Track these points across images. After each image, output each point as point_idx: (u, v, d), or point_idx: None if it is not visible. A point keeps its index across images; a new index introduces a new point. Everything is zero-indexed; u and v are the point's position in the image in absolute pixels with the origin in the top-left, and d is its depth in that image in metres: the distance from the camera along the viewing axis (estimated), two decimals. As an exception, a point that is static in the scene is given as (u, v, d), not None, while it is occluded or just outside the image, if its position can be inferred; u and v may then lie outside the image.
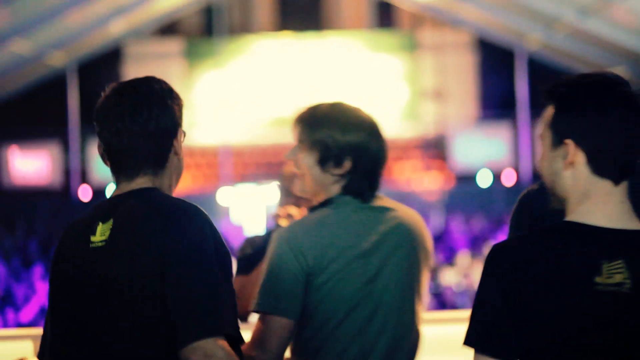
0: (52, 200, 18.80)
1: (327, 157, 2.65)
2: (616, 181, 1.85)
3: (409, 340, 2.66)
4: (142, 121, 2.24)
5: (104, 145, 2.29)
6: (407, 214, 2.73)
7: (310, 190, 2.71)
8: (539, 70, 19.37)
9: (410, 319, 2.65)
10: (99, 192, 17.63)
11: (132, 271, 2.13)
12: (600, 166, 1.84)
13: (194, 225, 2.16)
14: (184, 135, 2.35)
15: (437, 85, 21.45)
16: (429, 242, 2.75)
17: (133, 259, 2.14)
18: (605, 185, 1.85)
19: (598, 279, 1.77)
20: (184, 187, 18.99)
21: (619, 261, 1.79)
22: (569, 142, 1.85)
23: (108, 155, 2.29)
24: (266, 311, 2.54)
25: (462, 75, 21.46)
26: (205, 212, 2.22)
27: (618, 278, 1.78)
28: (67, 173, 19.80)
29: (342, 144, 2.64)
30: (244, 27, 22.17)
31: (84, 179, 19.36)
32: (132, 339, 2.14)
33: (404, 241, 2.66)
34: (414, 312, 2.67)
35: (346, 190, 2.67)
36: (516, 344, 1.80)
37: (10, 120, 19.59)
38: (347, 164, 2.65)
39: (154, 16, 20.38)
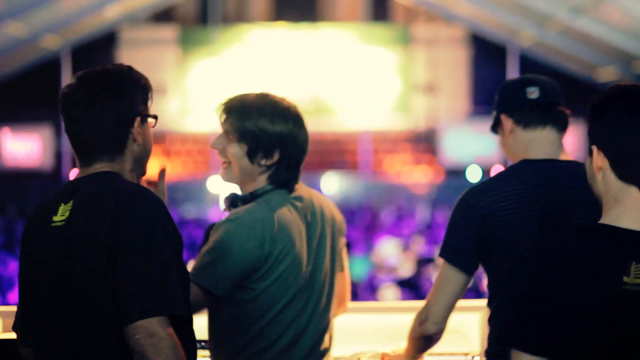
0: (43, 183, 18.82)
1: (256, 148, 2.66)
2: None
3: (329, 322, 2.77)
4: (94, 111, 2.31)
5: (65, 131, 2.39)
6: (320, 199, 2.79)
7: (237, 179, 2.72)
8: (531, 66, 19.41)
9: (330, 303, 2.76)
10: (89, 176, 17.55)
11: (85, 251, 2.20)
12: (623, 172, 1.90)
13: (144, 208, 2.21)
14: (155, 120, 2.40)
15: (430, 79, 21.51)
16: (341, 219, 2.83)
17: (86, 240, 2.20)
18: (633, 191, 1.90)
19: (626, 279, 1.82)
20: (174, 173, 19.03)
21: None
22: (594, 148, 1.93)
23: (69, 140, 2.39)
24: (208, 290, 2.58)
25: (454, 69, 21.50)
26: (159, 197, 2.28)
27: None
28: (58, 156, 19.81)
29: (272, 135, 2.65)
30: (238, 15, 22.18)
31: (74, 162, 19.27)
32: (84, 317, 2.20)
33: (325, 227, 2.74)
34: (333, 296, 2.77)
35: (273, 181, 2.69)
36: (551, 341, 1.84)
37: (3, 102, 19.60)
38: (276, 155, 2.67)
39: (149, 2, 20.38)
